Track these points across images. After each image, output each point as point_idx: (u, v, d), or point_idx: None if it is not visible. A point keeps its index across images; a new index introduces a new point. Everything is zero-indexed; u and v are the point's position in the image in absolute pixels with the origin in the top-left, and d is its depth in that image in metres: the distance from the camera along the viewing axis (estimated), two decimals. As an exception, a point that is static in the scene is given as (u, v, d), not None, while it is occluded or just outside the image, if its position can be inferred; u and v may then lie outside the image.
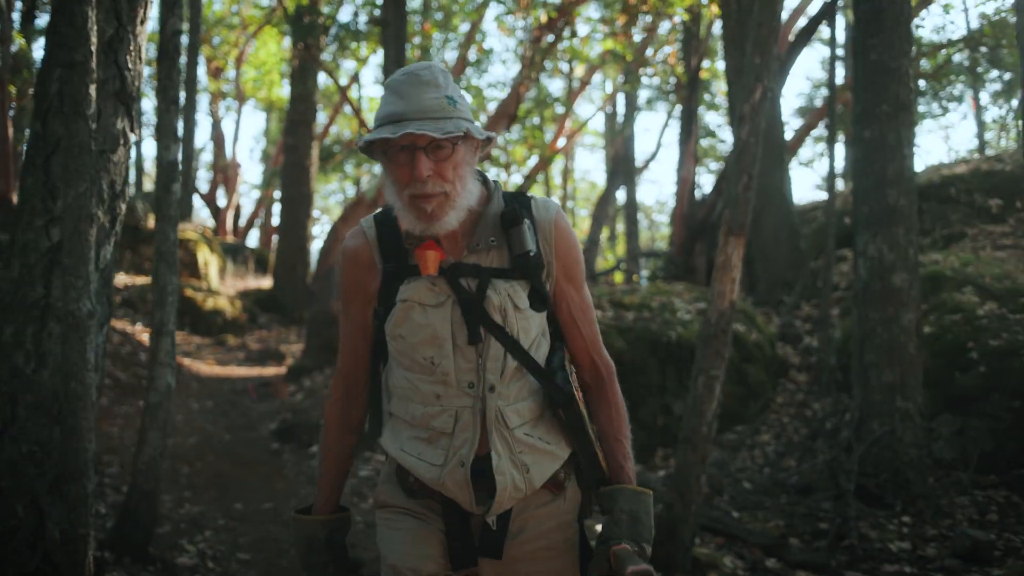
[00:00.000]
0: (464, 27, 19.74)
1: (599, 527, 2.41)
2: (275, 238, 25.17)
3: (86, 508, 3.58)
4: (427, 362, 2.30)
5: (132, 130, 3.98)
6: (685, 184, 17.13)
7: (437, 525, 2.38)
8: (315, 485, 2.54)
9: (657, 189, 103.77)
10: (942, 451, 7.98)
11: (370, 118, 26.85)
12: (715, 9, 14.33)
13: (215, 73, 30.28)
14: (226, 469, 7.65)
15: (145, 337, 11.96)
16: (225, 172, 28.75)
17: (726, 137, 27.60)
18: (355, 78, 25.47)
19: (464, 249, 2.34)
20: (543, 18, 14.38)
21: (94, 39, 3.45)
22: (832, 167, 11.16)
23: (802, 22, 17.08)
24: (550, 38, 15.21)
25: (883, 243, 7.56)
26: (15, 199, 13.00)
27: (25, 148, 3.79)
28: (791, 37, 15.68)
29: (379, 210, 2.47)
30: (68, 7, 3.43)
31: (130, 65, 3.91)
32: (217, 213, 27.72)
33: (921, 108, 24.93)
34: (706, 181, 33.83)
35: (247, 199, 38.70)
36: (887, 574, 5.84)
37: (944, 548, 6.25)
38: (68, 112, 3.44)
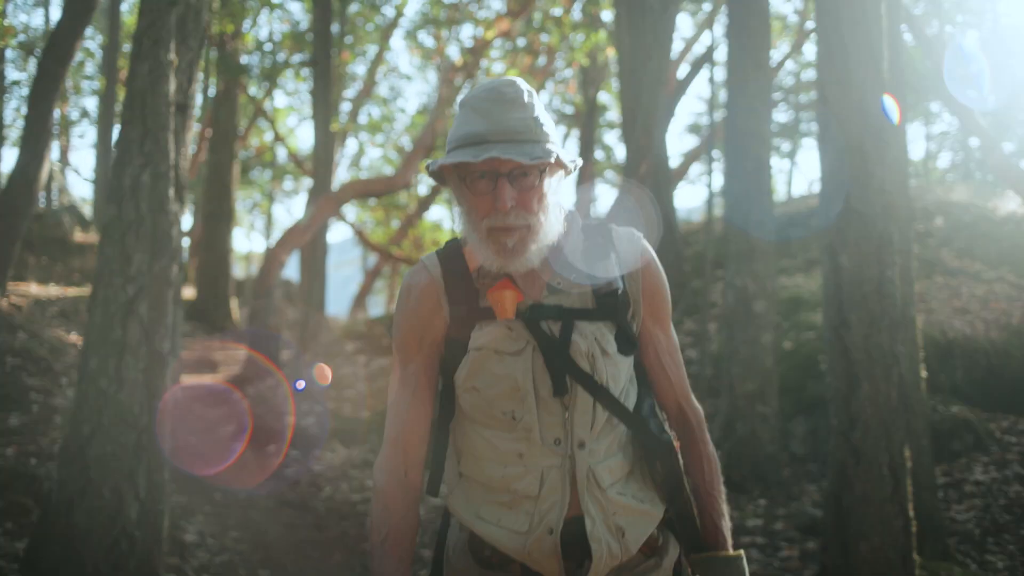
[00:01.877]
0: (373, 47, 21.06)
1: None
2: (186, 248, 25.99)
3: (163, 491, 4.95)
4: (507, 417, 2.09)
5: (182, 209, 5.32)
6: (583, 205, 18.70)
7: None
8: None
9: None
10: (797, 447, 9.69)
11: (281, 128, 27.85)
12: (611, 51, 15.93)
13: (124, 82, 30.79)
14: (199, 467, 8.93)
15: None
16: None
17: (621, 152, 29.27)
18: (270, 91, 26.50)
19: (543, 288, 2.12)
20: (458, 61, 15.85)
21: (172, 155, 4.82)
22: (711, 197, 12.87)
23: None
24: (469, 67, 16.65)
25: (747, 276, 9.19)
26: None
27: (102, 227, 5.12)
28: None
29: (443, 245, 2.25)
30: (155, 133, 4.79)
31: (182, 163, 5.25)
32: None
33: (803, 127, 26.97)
34: (603, 192, 35.39)
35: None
36: (742, 543, 7.45)
37: (789, 523, 7.89)
38: (154, 208, 4.82)
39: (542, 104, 2.10)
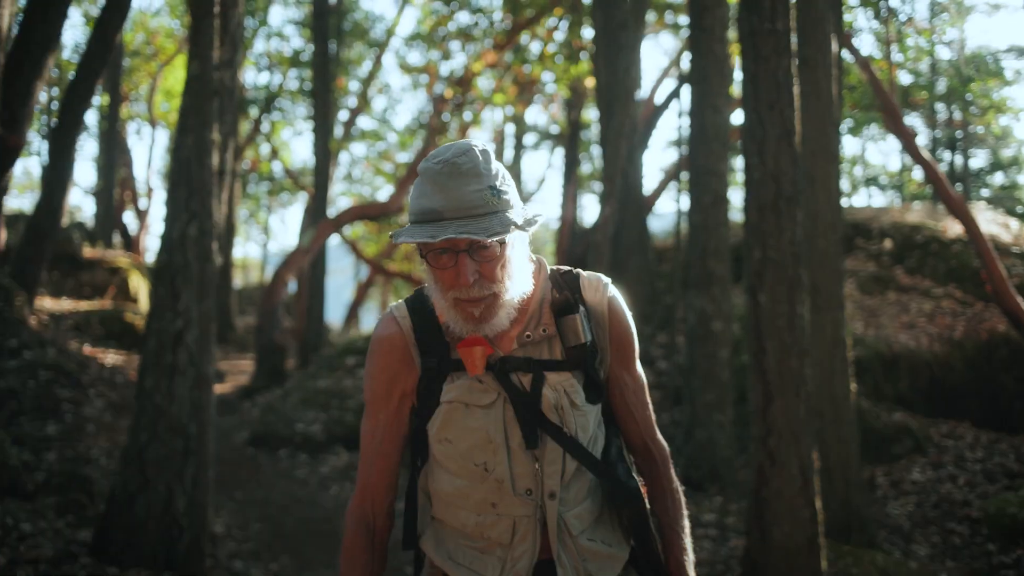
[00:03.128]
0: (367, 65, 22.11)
1: None
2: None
3: (208, 487, 6.05)
4: (479, 468, 2.14)
5: (219, 254, 6.41)
6: (566, 223, 19.75)
7: None
8: None
9: (544, 209, 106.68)
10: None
11: (276, 142, 28.85)
12: (591, 82, 17.00)
13: (123, 97, 31.62)
14: (217, 469, 10.03)
15: (106, 357, 13.95)
16: (134, 192, 30.12)
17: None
18: (267, 107, 27.43)
19: (513, 341, 2.16)
20: (447, 93, 16.92)
21: (215, 213, 5.92)
22: (679, 221, 13.98)
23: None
24: (457, 99, 17.71)
25: (706, 299, 10.30)
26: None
27: (155, 270, 6.22)
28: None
29: (411, 295, 2.28)
30: (199, 195, 5.89)
31: (217, 216, 6.34)
32: (125, 233, 29.04)
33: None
34: (590, 202, 36.37)
35: (156, 220, 39.90)
36: (697, 535, 8.55)
37: (739, 518, 8.99)
38: (200, 257, 5.91)
39: (498, 165, 2.11)
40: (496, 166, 2.09)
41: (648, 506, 2.28)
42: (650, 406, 2.36)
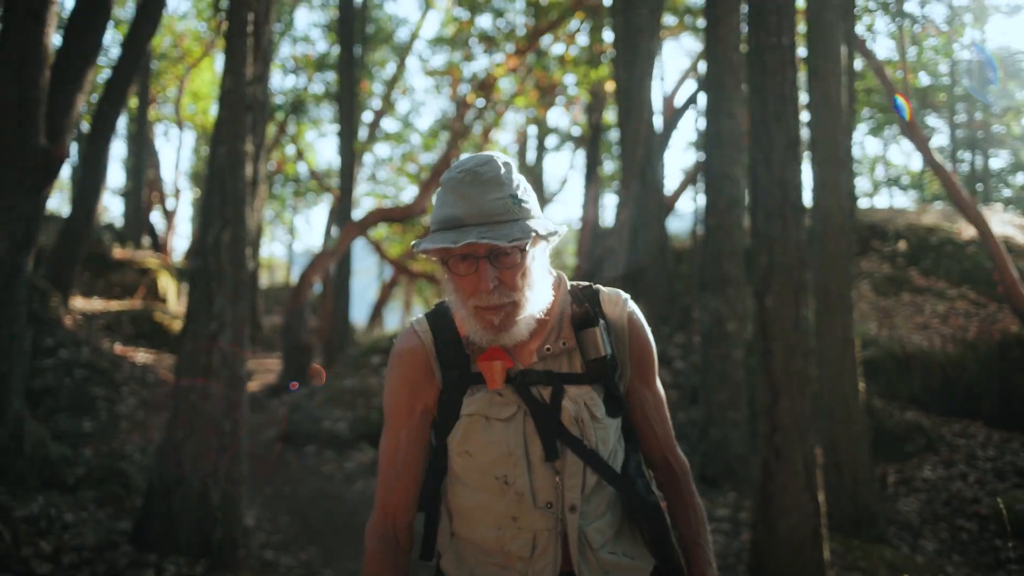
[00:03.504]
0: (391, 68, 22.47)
1: None
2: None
3: (241, 482, 6.38)
4: (500, 481, 2.14)
5: (251, 258, 6.74)
6: (587, 224, 19.96)
7: None
8: None
9: (565, 209, 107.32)
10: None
11: (302, 143, 29.21)
12: (611, 87, 17.28)
13: (151, 99, 32.05)
14: (249, 465, 10.41)
15: (137, 356, 14.32)
16: (162, 193, 30.55)
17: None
18: (294, 108, 27.79)
19: (533, 354, 2.18)
20: (469, 98, 17.24)
21: (248, 220, 6.25)
22: (695, 224, 14.25)
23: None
24: (479, 103, 18.04)
25: (720, 300, 10.57)
26: None
27: (191, 275, 6.55)
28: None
29: (432, 309, 2.30)
30: (233, 203, 6.22)
31: (250, 224, 6.67)
32: (153, 234, 29.44)
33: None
34: (611, 202, 36.56)
35: (183, 220, 40.41)
36: (710, 530, 8.81)
37: (751, 513, 9.25)
38: (234, 262, 6.24)
39: (520, 177, 2.13)
40: (517, 177, 2.11)
41: (669, 520, 2.30)
42: (669, 420, 2.37)
